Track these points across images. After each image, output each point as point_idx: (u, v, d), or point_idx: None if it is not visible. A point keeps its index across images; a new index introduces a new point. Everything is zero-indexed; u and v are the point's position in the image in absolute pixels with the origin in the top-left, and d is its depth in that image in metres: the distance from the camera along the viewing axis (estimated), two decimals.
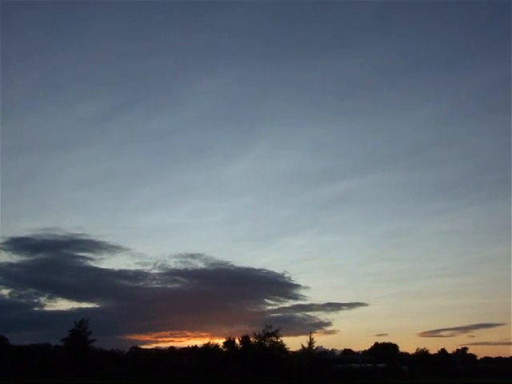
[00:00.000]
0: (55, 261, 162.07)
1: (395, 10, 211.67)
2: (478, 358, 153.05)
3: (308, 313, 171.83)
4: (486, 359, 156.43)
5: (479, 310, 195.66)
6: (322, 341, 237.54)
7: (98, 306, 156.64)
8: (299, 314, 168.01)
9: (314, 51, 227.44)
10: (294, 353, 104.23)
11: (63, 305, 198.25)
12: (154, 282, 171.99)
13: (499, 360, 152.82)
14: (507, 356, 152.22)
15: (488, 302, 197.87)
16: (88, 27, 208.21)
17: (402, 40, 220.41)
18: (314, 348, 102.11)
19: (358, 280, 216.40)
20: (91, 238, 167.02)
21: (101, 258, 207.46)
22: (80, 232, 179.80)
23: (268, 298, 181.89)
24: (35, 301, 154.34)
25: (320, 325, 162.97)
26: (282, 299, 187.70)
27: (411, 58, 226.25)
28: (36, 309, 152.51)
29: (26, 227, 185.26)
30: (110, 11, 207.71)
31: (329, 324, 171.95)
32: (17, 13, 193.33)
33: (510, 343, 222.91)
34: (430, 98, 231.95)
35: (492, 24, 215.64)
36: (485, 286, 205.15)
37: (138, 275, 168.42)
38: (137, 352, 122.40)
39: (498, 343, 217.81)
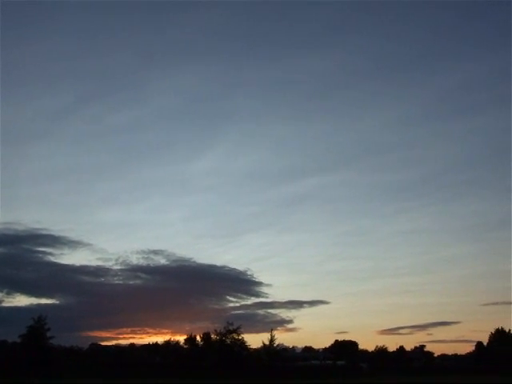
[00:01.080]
0: (14, 256, 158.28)
1: (364, 10, 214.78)
2: (435, 355, 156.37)
3: (270, 310, 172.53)
4: (443, 356, 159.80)
5: (437, 308, 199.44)
6: (283, 338, 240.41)
7: (57, 302, 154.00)
8: (261, 312, 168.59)
9: (280, 50, 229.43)
10: (255, 350, 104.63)
11: (22, 301, 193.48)
12: (115, 278, 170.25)
13: (455, 357, 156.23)
14: (462, 353, 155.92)
15: (445, 300, 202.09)
16: (52, 21, 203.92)
17: (369, 41, 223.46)
18: (274, 345, 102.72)
19: (320, 278, 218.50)
20: (52, 232, 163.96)
21: (61, 254, 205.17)
22: (40, 227, 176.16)
23: (230, 295, 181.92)
24: None
25: (281, 322, 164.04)
26: (244, 296, 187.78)
27: (378, 60, 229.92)
28: None
29: None
30: (75, 6, 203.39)
31: (290, 321, 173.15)
32: None
33: (465, 341, 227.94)
34: (395, 100, 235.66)
35: (459, 26, 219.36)
36: (442, 285, 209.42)
37: (99, 271, 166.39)
38: (97, 349, 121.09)
39: (454, 341, 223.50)
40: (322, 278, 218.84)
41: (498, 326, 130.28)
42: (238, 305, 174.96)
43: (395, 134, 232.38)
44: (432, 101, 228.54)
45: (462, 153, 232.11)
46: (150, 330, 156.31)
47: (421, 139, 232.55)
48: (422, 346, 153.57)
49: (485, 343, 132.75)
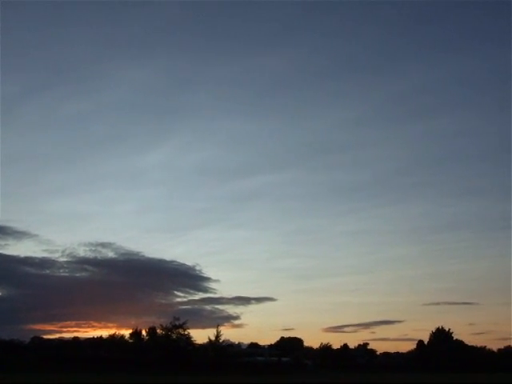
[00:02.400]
0: None
1: (321, 9, 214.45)
2: (378, 352, 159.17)
3: (217, 306, 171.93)
4: (385, 354, 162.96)
5: (381, 307, 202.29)
6: (229, 334, 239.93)
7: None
8: (208, 307, 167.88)
9: (236, 47, 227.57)
10: (201, 345, 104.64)
11: None
12: (61, 271, 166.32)
13: (396, 355, 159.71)
14: (404, 351, 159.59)
15: (389, 300, 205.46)
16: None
17: (325, 40, 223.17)
18: (220, 341, 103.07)
19: (268, 275, 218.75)
20: None
21: (5, 244, 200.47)
22: None
23: (177, 290, 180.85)
24: None
25: (228, 318, 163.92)
26: (192, 291, 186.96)
27: (333, 60, 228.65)
28: None
29: None
30: None
31: (237, 317, 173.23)
32: None
33: (407, 339, 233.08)
34: (349, 100, 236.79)
35: (417, 29, 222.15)
36: (387, 284, 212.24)
37: (44, 263, 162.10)
38: (39, 342, 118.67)
39: (396, 339, 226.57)
40: (270, 275, 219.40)
41: (439, 325, 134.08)
42: (185, 300, 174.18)
43: (348, 134, 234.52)
44: (386, 102, 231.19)
45: (413, 155, 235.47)
46: (95, 324, 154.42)
47: (373, 140, 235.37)
48: (366, 344, 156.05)
49: (426, 342, 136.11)
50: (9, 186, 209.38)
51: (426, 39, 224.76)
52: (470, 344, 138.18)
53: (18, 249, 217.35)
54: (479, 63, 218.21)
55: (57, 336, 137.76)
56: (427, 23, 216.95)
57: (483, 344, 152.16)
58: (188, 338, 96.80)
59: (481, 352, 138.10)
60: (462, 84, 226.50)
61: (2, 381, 48.28)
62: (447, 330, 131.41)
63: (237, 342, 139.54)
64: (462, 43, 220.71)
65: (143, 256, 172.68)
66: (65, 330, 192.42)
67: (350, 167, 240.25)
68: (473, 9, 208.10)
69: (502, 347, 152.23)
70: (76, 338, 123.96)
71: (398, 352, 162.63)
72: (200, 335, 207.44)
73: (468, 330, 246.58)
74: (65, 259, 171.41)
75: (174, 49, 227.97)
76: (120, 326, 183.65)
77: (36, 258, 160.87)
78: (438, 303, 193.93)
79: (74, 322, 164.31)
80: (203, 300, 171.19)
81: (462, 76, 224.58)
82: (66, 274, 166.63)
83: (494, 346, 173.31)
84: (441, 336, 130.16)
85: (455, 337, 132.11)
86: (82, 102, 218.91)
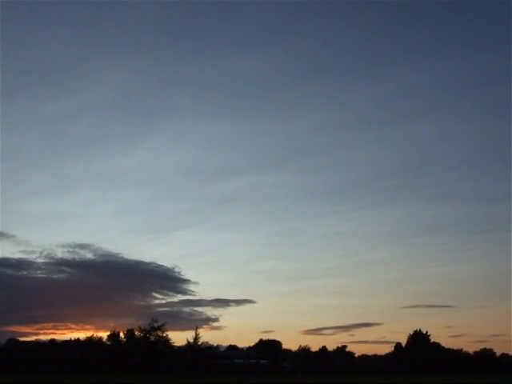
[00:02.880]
0: None
1: (301, 11, 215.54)
2: (356, 355, 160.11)
3: (196, 308, 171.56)
4: (364, 356, 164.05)
5: (360, 310, 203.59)
6: (208, 336, 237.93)
7: None
8: (187, 309, 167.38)
9: (216, 49, 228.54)
10: (180, 347, 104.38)
11: None
12: (38, 272, 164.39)
13: (375, 357, 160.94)
14: (382, 353, 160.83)
15: (368, 302, 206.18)
16: None
17: (306, 43, 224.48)
18: (199, 343, 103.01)
19: (247, 277, 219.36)
20: None
21: None
22: None
23: (156, 292, 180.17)
24: None
25: (207, 320, 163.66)
26: (171, 293, 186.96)
27: (314, 62, 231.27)
28: None
29: None
30: None
31: (216, 320, 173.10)
32: None
33: (385, 342, 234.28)
34: (330, 103, 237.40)
35: (397, 32, 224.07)
36: (367, 287, 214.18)
37: (21, 264, 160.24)
38: (15, 344, 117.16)
39: (374, 342, 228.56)
40: (250, 278, 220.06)
41: (417, 327, 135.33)
42: (164, 302, 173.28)
43: (329, 137, 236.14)
44: (367, 106, 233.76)
45: (393, 158, 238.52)
46: (73, 326, 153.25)
47: (354, 143, 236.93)
48: (344, 347, 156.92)
49: (403, 344, 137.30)
50: None
51: (408, 43, 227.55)
52: (446, 346, 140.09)
53: None
54: (461, 68, 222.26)
55: (33, 338, 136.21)
56: (409, 27, 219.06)
57: (460, 346, 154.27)
58: (166, 340, 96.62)
59: (457, 354, 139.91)
60: (443, 88, 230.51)
61: None
62: (425, 332, 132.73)
63: (215, 345, 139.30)
64: (444, 47, 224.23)
65: (122, 257, 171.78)
66: (41, 332, 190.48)
67: (331, 170, 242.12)
68: (454, 13, 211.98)
69: (478, 349, 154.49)
70: (53, 340, 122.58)
71: (376, 354, 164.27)
72: (179, 337, 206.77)
73: (445, 332, 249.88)
74: (42, 260, 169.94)
75: (154, 50, 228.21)
76: (98, 328, 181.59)
77: (13, 258, 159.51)
78: (416, 306, 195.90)
79: (51, 324, 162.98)
80: (182, 302, 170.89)
81: (444, 80, 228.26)
82: (44, 276, 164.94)
83: (471, 348, 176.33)
84: (418, 339, 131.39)
85: (432, 339, 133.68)
86: (63, 102, 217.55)
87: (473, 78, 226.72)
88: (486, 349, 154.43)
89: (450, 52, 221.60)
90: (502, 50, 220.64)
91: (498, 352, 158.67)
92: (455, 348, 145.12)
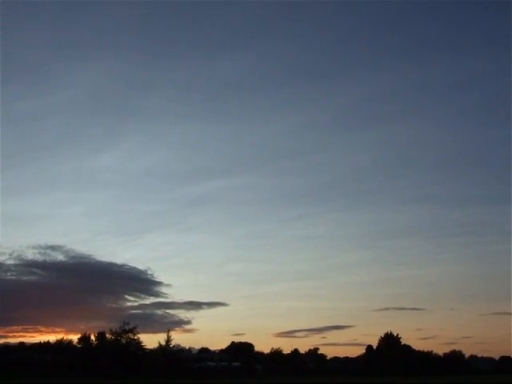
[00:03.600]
0: None
1: (275, 14, 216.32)
2: (328, 357, 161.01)
3: (168, 310, 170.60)
4: (335, 359, 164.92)
5: (332, 312, 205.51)
6: (180, 339, 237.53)
7: None
8: (159, 312, 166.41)
9: (190, 51, 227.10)
10: (152, 350, 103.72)
11: None
12: (8, 274, 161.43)
13: (346, 359, 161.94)
14: (354, 356, 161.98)
15: (340, 305, 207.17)
16: None
17: (279, 46, 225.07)
18: (171, 346, 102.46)
19: (219, 280, 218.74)
20: None
21: None
22: None
23: (128, 294, 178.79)
24: None
25: (180, 323, 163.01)
26: (143, 296, 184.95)
27: (289, 65, 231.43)
28: None
29: None
30: None
31: (188, 322, 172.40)
32: None
33: (357, 344, 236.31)
34: (303, 106, 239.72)
35: (373, 36, 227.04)
36: (338, 290, 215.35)
37: None
38: None
39: (346, 344, 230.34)
40: (222, 280, 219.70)
41: (388, 330, 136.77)
42: (136, 304, 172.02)
43: (302, 140, 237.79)
44: (341, 109, 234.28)
45: (365, 162, 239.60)
46: (43, 329, 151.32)
47: (327, 146, 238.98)
48: (316, 349, 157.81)
49: (375, 346, 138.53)
50: None
51: (381, 48, 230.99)
52: (417, 349, 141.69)
53: None
54: (434, 73, 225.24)
55: (2, 341, 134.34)
56: (383, 32, 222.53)
57: (430, 348, 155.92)
58: (138, 342, 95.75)
59: (427, 356, 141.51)
60: (416, 93, 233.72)
61: None
62: (396, 335, 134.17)
63: (187, 347, 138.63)
64: (417, 53, 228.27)
65: (94, 259, 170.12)
66: (10, 334, 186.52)
67: (303, 173, 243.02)
68: (428, 18, 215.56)
69: (448, 351, 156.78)
70: (22, 344, 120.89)
71: (347, 357, 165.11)
72: (151, 340, 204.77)
73: (416, 334, 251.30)
74: (12, 262, 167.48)
75: (126, 51, 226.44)
76: (68, 331, 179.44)
77: None
78: (387, 309, 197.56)
79: (20, 327, 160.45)
80: (154, 304, 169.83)
81: (417, 85, 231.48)
82: (13, 277, 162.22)
83: (440, 350, 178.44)
84: (389, 341, 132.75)
85: (403, 341, 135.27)
86: (34, 102, 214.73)
87: (446, 83, 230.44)
88: (455, 351, 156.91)
89: (424, 57, 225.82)
90: (475, 55, 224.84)
91: (467, 354, 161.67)
92: (425, 350, 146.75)
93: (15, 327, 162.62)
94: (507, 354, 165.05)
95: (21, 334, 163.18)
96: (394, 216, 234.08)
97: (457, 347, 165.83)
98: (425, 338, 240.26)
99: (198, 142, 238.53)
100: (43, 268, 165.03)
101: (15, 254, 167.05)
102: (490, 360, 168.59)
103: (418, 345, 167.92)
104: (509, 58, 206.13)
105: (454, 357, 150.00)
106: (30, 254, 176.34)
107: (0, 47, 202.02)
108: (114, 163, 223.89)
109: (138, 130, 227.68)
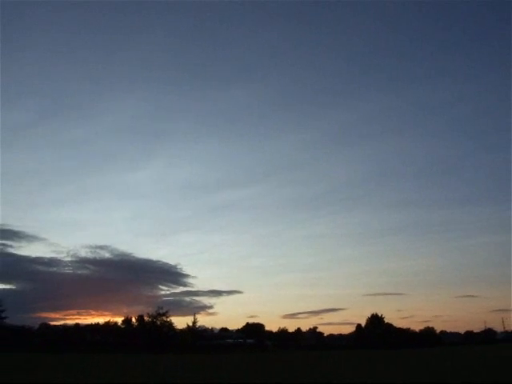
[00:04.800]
0: None
1: (279, 54, 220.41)
2: (325, 335, 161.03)
3: (194, 297, 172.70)
4: (331, 336, 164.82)
5: (328, 298, 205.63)
6: (204, 321, 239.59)
7: (14, 288, 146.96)
8: (187, 299, 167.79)
9: (209, 84, 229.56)
10: (181, 330, 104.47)
11: None
12: (66, 268, 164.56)
13: (340, 336, 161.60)
14: (346, 333, 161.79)
15: (335, 292, 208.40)
16: (17, 47, 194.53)
17: (284, 80, 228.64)
18: (197, 326, 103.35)
19: (236, 272, 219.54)
20: (12, 228, 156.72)
21: (20, 246, 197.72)
22: (2, 223, 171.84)
23: (162, 285, 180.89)
24: None
25: (204, 308, 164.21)
26: (174, 286, 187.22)
27: (289, 94, 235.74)
28: None
29: None
30: (38, 30, 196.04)
31: (211, 307, 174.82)
32: None
33: (348, 323, 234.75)
34: (303, 128, 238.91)
35: (354, 73, 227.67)
36: (334, 279, 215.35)
37: (52, 262, 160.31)
38: (46, 328, 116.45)
39: (339, 323, 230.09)
40: (238, 272, 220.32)
41: (374, 311, 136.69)
42: (168, 292, 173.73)
43: (303, 155, 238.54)
44: (335, 130, 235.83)
45: (356, 173, 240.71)
46: (93, 312, 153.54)
47: (323, 160, 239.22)
48: (315, 328, 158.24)
49: (363, 325, 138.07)
50: (21, 198, 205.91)
51: (365, 81, 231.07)
52: (398, 326, 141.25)
53: (29, 250, 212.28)
54: (410, 98, 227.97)
55: (61, 323, 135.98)
56: (365, 67, 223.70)
57: (408, 326, 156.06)
58: (170, 324, 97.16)
59: (406, 332, 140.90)
60: (395, 115, 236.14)
61: None
62: (380, 315, 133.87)
63: (210, 327, 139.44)
64: (394, 82, 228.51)
65: (134, 256, 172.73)
66: (68, 317, 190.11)
67: (306, 182, 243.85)
68: (399, 52, 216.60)
69: (423, 328, 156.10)
70: (77, 325, 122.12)
71: (341, 334, 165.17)
72: (180, 322, 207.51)
73: (396, 315, 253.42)
74: (69, 259, 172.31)
75: (158, 84, 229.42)
76: (114, 314, 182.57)
77: (45, 257, 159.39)
78: (374, 294, 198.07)
79: (75, 311, 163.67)
80: (183, 293, 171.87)
81: (396, 108, 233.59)
82: (70, 272, 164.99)
83: (417, 327, 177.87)
84: (375, 321, 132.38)
85: (386, 321, 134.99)
86: (83, 127, 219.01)
87: (421, 107, 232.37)
88: (428, 327, 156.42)
89: (400, 85, 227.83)
90: (439, 84, 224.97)
91: (438, 329, 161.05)
92: (404, 327, 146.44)
93: (71, 311, 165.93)
94: (471, 329, 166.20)
95: (76, 316, 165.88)
96: (381, 218, 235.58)
97: (430, 324, 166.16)
98: (404, 318, 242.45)
99: (218, 158, 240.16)
100: (93, 263, 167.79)
101: (71, 253, 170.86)
102: (457, 334, 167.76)
103: (398, 323, 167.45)
104: (471, 85, 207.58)
105: (428, 332, 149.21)
106: (83, 253, 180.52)
107: (55, 83, 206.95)
108: (149, 177, 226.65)
109: (168, 149, 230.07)
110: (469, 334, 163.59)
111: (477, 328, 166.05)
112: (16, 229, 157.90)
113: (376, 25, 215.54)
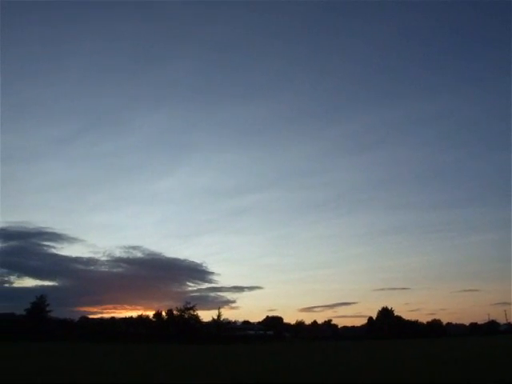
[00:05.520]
0: (24, 248, 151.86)
1: (287, 73, 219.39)
2: (339, 327, 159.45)
3: (218, 293, 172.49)
4: (344, 328, 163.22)
5: (341, 292, 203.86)
6: (227, 314, 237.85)
7: (57, 284, 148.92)
8: (212, 294, 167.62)
9: (230, 99, 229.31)
10: (207, 323, 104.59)
11: (29, 282, 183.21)
12: (102, 267, 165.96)
13: (352, 328, 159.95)
14: (358, 325, 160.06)
15: (347, 287, 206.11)
16: (57, 68, 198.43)
17: (292, 95, 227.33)
18: (221, 319, 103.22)
19: (257, 269, 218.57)
20: (55, 231, 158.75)
21: (61, 247, 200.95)
22: (46, 226, 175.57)
23: (189, 281, 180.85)
24: (6, 279, 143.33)
25: (227, 302, 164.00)
26: (200, 282, 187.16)
27: (300, 108, 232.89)
28: (6, 285, 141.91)
29: (2, 220, 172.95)
30: (77, 50, 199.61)
31: (234, 302, 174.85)
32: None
33: (361, 316, 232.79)
34: (312, 138, 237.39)
35: (355, 90, 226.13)
36: (346, 275, 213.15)
37: (90, 261, 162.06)
38: (85, 320, 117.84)
39: (352, 316, 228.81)
40: (259, 270, 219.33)
41: (384, 305, 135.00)
42: (195, 289, 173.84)
43: (312, 163, 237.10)
44: (340, 140, 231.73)
45: (362, 178, 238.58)
46: (127, 307, 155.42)
47: (330, 168, 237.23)
48: (330, 320, 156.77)
49: (374, 317, 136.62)
50: (63, 205, 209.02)
51: (366, 94, 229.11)
52: (406, 318, 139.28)
53: (70, 251, 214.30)
54: (407, 111, 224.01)
55: (99, 316, 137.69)
56: (364, 83, 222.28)
57: (416, 318, 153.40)
58: (197, 317, 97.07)
59: (414, 324, 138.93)
60: (394, 126, 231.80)
61: None
62: (390, 308, 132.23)
63: (233, 320, 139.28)
64: (393, 95, 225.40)
65: (163, 256, 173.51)
66: (105, 311, 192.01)
67: (317, 187, 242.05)
68: (396, 66, 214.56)
69: (430, 320, 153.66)
70: (113, 318, 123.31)
71: (353, 326, 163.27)
72: (206, 315, 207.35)
73: (405, 308, 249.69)
74: (105, 258, 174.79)
75: (183, 100, 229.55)
76: (146, 308, 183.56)
77: (84, 257, 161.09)
78: (383, 289, 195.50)
79: (111, 305, 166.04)
80: (208, 289, 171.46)
81: (395, 120, 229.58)
82: (106, 270, 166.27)
83: (424, 319, 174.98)
84: (385, 313, 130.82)
85: (396, 313, 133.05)
86: (117, 140, 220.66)
87: (418, 118, 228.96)
88: (435, 319, 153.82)
89: (398, 99, 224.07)
90: (435, 96, 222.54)
91: (445, 321, 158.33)
92: (412, 319, 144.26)
93: (108, 306, 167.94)
94: (475, 321, 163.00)
95: (112, 310, 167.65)
96: (385, 219, 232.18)
97: (436, 317, 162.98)
98: (412, 310, 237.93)
99: (236, 167, 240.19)
100: (127, 262, 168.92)
101: (107, 253, 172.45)
102: (462, 326, 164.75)
103: (406, 315, 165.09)
104: (463, 97, 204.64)
105: (435, 324, 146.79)
106: (118, 253, 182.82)
107: (90, 99, 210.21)
108: (175, 185, 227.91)
109: (192, 159, 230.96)
110: (473, 325, 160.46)
111: (481, 320, 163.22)
112: (58, 232, 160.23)
113: (374, 47, 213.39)
